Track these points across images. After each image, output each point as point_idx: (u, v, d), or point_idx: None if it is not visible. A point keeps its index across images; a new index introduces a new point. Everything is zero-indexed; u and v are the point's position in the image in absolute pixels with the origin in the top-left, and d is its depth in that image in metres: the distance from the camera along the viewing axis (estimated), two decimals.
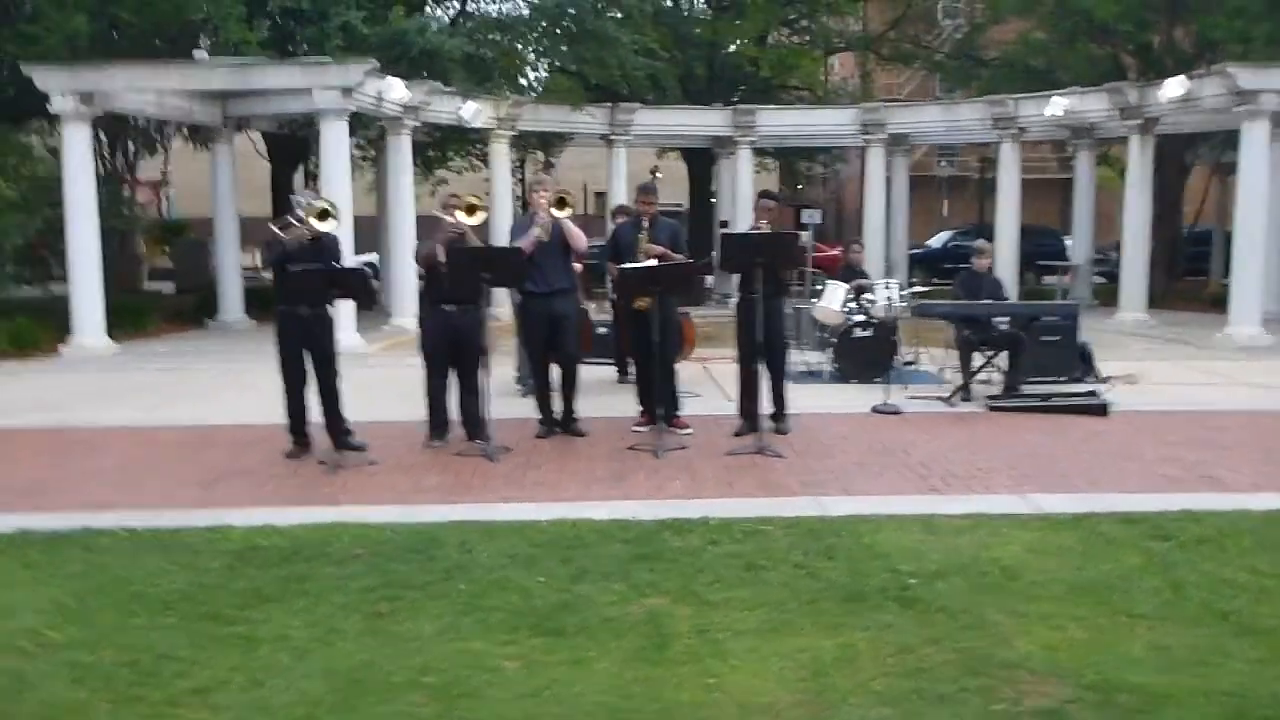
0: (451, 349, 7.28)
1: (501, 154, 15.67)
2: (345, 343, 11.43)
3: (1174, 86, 12.93)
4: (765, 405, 7.75)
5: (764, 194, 7.87)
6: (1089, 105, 14.79)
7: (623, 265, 7.15)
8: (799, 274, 10.54)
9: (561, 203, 7.41)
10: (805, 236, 7.24)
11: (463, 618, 4.22)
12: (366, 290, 6.85)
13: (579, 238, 7.47)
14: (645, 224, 7.64)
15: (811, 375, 10.24)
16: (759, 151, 20.87)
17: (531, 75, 21.87)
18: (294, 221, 6.95)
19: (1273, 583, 4.52)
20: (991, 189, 18.33)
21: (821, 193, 43.70)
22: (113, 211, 14.28)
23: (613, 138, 17.28)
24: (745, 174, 17.80)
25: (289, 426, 7.21)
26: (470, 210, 7.15)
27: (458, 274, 7.01)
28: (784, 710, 3.43)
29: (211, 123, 14.69)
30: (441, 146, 17.83)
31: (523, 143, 18.60)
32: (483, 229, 7.44)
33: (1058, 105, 14.65)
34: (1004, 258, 16.40)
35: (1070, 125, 16.26)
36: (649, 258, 7.53)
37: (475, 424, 7.39)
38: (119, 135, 16.08)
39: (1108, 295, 17.15)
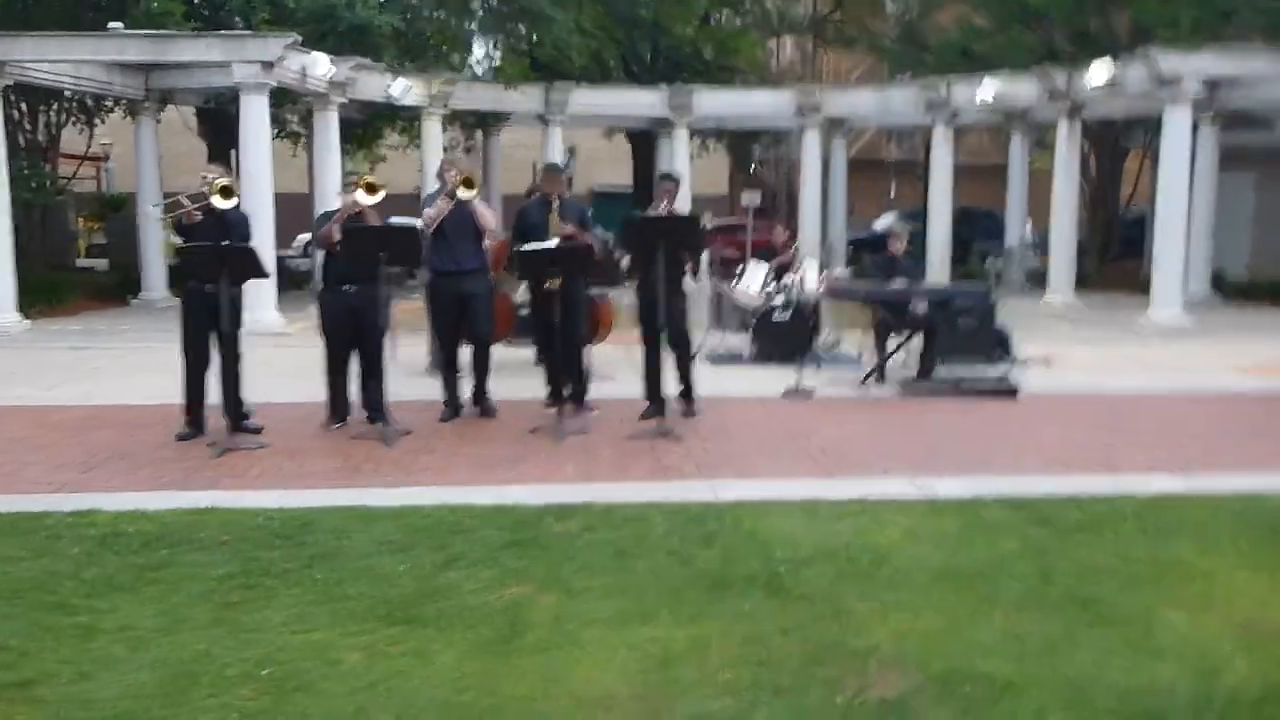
0: (350, 330, 7.14)
1: (434, 132, 15.43)
2: (263, 321, 11.32)
3: (1099, 71, 12.99)
4: (673, 388, 7.73)
5: (665, 176, 7.78)
6: (1018, 89, 14.83)
7: (521, 247, 7.03)
8: (720, 256, 10.49)
9: (468, 183, 7.28)
10: (705, 218, 7.14)
11: (317, 607, 4.10)
12: (255, 269, 6.66)
13: (488, 218, 7.36)
14: (554, 204, 7.52)
15: (732, 358, 10.20)
16: (701, 133, 20.78)
17: (476, 53, 21.74)
18: (184, 200, 6.79)
19: (1142, 569, 4.52)
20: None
21: (772, 175, 43.83)
22: (31, 185, 13.86)
23: (548, 117, 17.08)
24: (682, 155, 17.68)
25: (184, 407, 7.03)
26: (370, 189, 6.99)
27: (354, 253, 6.86)
28: (621, 703, 3.36)
29: (134, 95, 14.32)
30: (373, 124, 17.52)
31: (462, 121, 18.36)
32: (387, 208, 7.29)
33: (988, 89, 14.68)
34: (937, 240, 16.48)
35: (1004, 110, 16.32)
36: (560, 238, 7.42)
37: (376, 407, 7.23)
38: (40, 107, 15.59)
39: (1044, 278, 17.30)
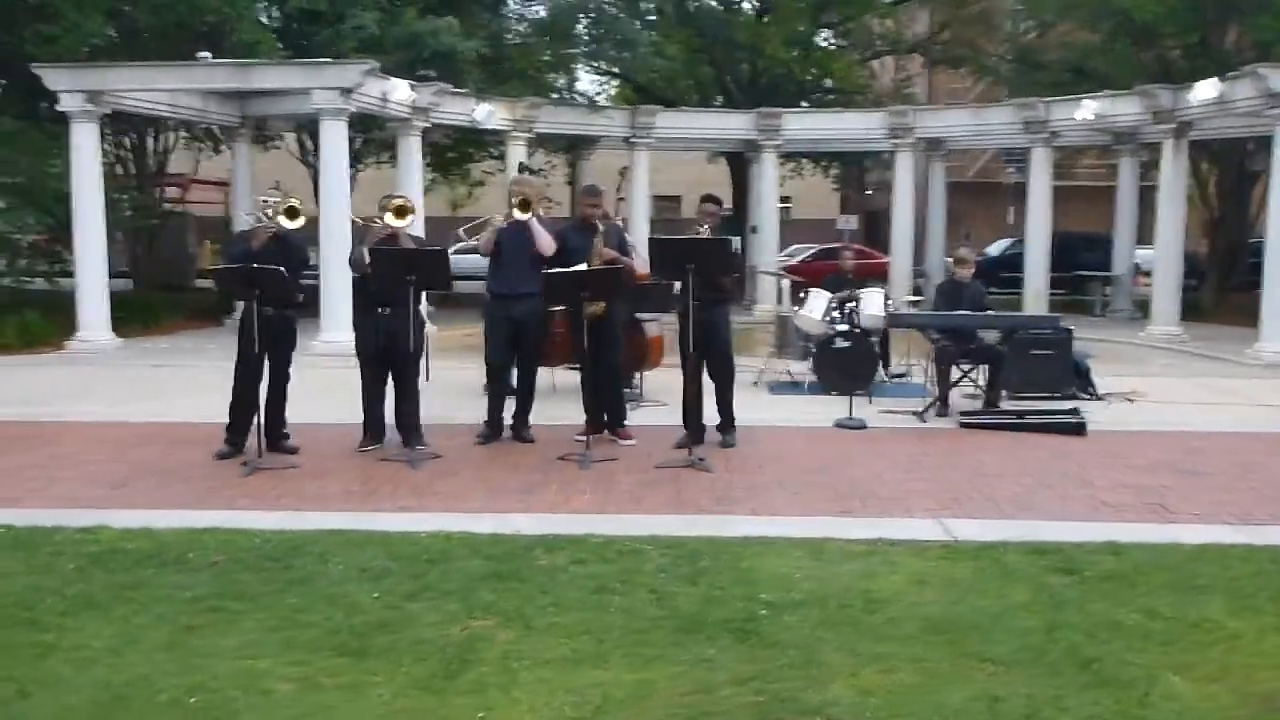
0: (383, 352, 7.15)
1: (518, 156, 15.54)
2: (339, 341, 11.44)
3: (1205, 89, 12.25)
4: (713, 417, 7.53)
5: (706, 198, 7.58)
6: (1120, 109, 14.11)
7: (549, 270, 6.92)
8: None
9: (525, 204, 7.21)
10: (735, 242, 6.90)
11: (273, 634, 4.04)
12: (283, 291, 6.73)
13: (544, 241, 7.23)
14: (601, 228, 7.41)
15: (793, 387, 9.91)
16: (800, 155, 20.47)
17: (582, 79, 21.94)
18: (260, 219, 6.93)
19: (1161, 627, 4.13)
20: (1062, 197, 17.64)
21: (887, 199, 43.06)
22: (127, 210, 14.49)
23: (634, 140, 17.02)
24: (770, 177, 17.42)
25: (228, 425, 7.14)
26: (400, 212, 7.01)
27: (382, 276, 6.88)
28: None
29: (230, 123, 14.85)
30: (459, 149, 17.78)
31: (550, 145, 18.48)
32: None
33: (1088, 109, 14.01)
34: (1034, 268, 15.81)
35: (1111, 130, 15.57)
36: (602, 262, 7.31)
37: (409, 428, 7.22)
38: (148, 134, 16.34)
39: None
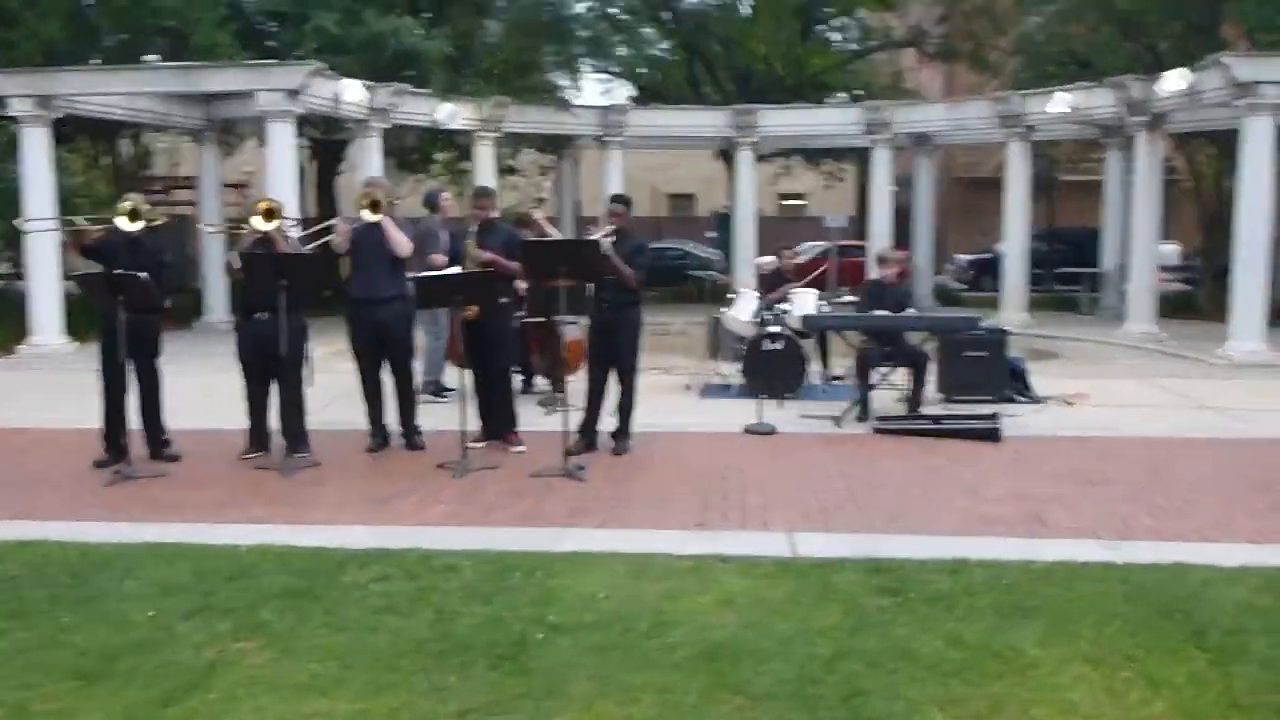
0: (263, 357, 6.99)
1: (485, 156, 15.38)
2: None
3: (1174, 79, 11.81)
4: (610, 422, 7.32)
5: (615, 198, 7.34)
6: (1094, 101, 13.65)
7: (417, 274, 6.73)
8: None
9: (374, 206, 7.01)
10: (605, 244, 6.63)
11: (25, 655, 3.89)
12: (144, 297, 6.59)
13: (398, 243, 7.02)
14: (473, 229, 7.22)
15: (724, 390, 9.64)
16: (776, 154, 20.14)
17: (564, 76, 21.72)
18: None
19: (958, 655, 3.85)
20: (1083, 192, 17.09)
21: (905, 196, 42.46)
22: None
23: (606, 138, 16.80)
24: (746, 176, 17.11)
25: (103, 433, 7.02)
26: (268, 215, 6.84)
27: (255, 281, 6.73)
28: None
29: (196, 125, 14.81)
30: (425, 149, 17.66)
31: (530, 145, 18.31)
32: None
33: (1061, 101, 13.59)
34: (1011, 265, 15.39)
35: (1090, 123, 15.11)
36: (476, 264, 7.12)
37: (290, 435, 7.08)
38: (120, 137, 16.37)
39: (1173, 304, 15.92)
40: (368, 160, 13.86)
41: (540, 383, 9.69)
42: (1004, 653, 3.88)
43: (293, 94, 11.81)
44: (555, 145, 18.27)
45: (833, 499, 6.03)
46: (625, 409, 7.22)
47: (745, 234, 16.88)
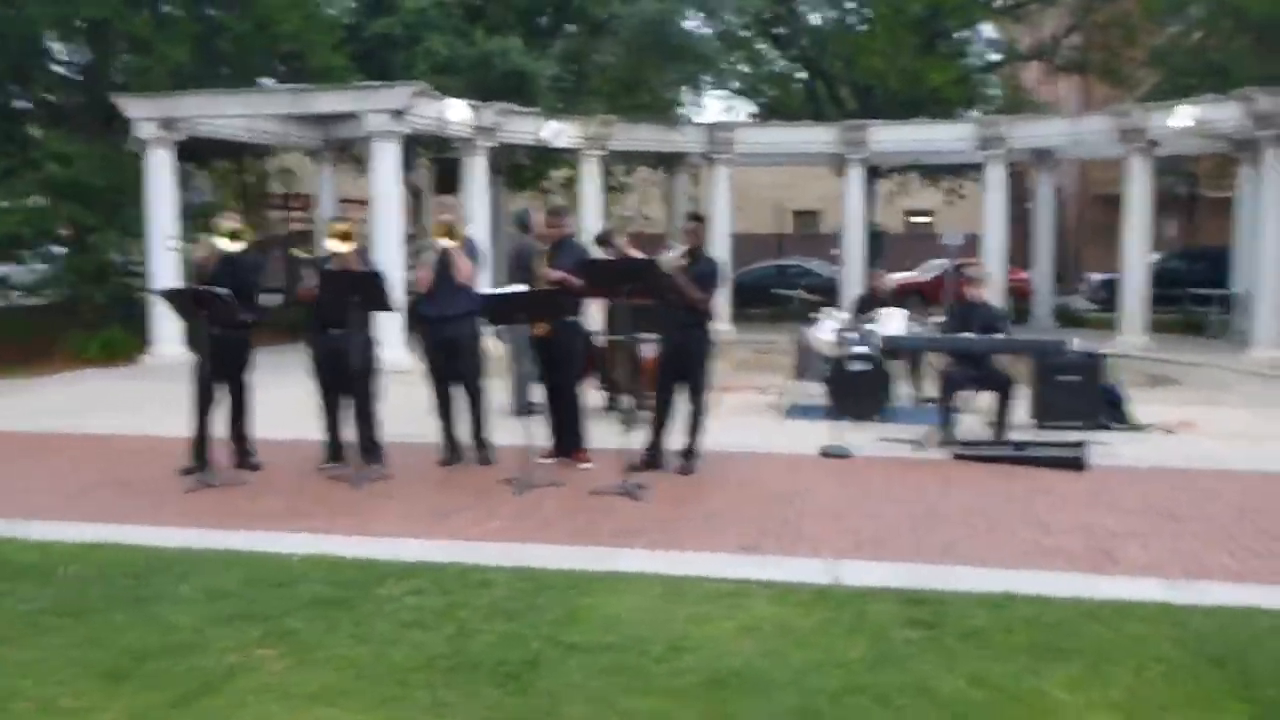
0: (335, 373, 7.21)
1: (591, 174, 15.54)
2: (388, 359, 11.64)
3: None
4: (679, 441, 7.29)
5: (690, 216, 7.32)
6: (1220, 114, 12.96)
7: (490, 290, 6.84)
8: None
9: (450, 232, 7.18)
10: (667, 264, 6.60)
11: (65, 653, 4.09)
12: (226, 312, 6.91)
13: (463, 268, 7.16)
14: (544, 248, 7.31)
15: (808, 410, 9.49)
16: (894, 170, 19.72)
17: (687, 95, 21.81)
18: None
19: (979, 696, 3.70)
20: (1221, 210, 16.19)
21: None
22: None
23: (714, 156, 16.76)
24: (856, 193, 16.81)
25: (192, 442, 7.35)
26: (344, 237, 7.06)
27: (328, 298, 6.96)
28: None
29: (313, 145, 15.43)
30: (536, 168, 17.95)
31: (642, 163, 18.41)
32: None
33: (1185, 115, 12.94)
34: (1132, 286, 14.71)
35: (1217, 136, 14.33)
36: (546, 283, 7.20)
37: (365, 448, 7.30)
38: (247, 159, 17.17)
39: None
40: (474, 179, 14.18)
41: (625, 401, 9.72)
42: (1027, 695, 3.70)
43: (397, 114, 12.18)
44: (667, 163, 18.35)
45: (891, 526, 5.86)
46: (693, 429, 7.18)
47: (854, 251, 16.59)
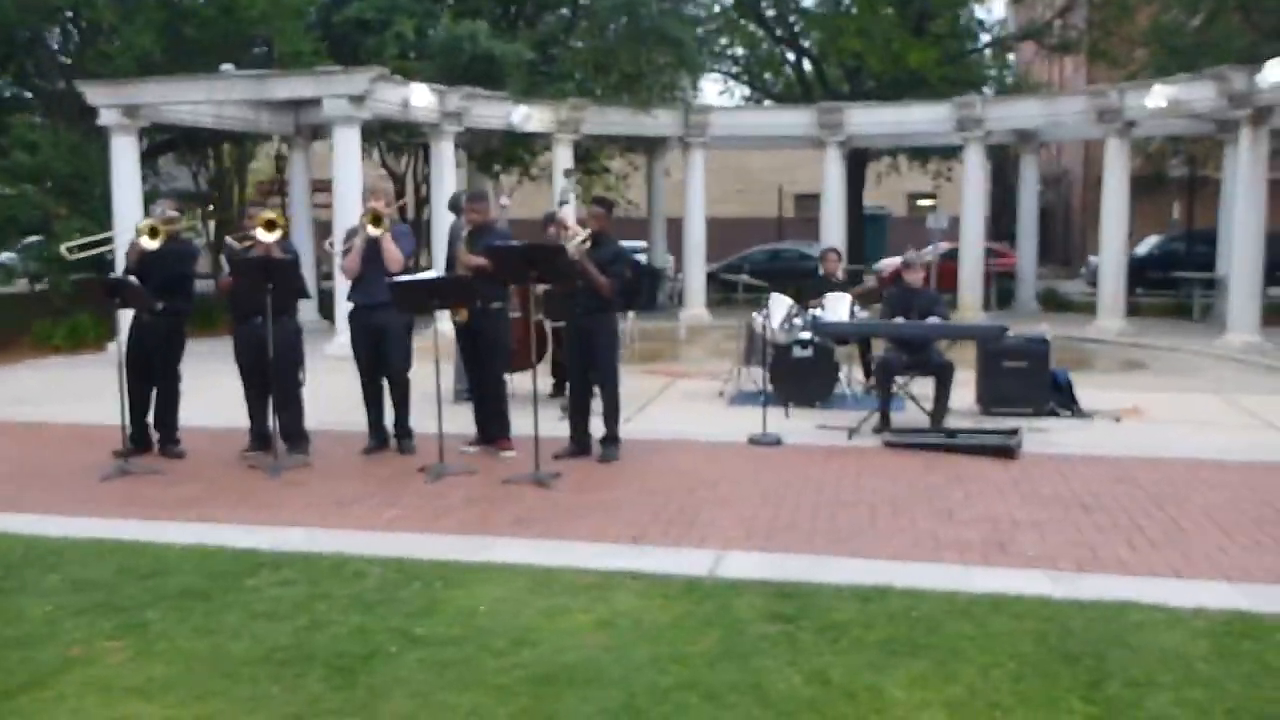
0: (256, 361, 7.16)
1: (564, 158, 15.42)
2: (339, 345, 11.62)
3: (1275, 69, 10.88)
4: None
5: (596, 200, 7.23)
6: (1195, 94, 12.69)
7: (396, 278, 6.75)
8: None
9: (376, 220, 7.09)
10: (574, 250, 6.51)
11: None
12: (139, 301, 6.92)
13: (390, 256, 7.04)
14: (464, 233, 7.23)
15: (754, 397, 9.38)
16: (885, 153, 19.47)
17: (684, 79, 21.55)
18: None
19: (809, 693, 3.61)
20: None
21: (1052, 194, 40.66)
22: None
23: (689, 140, 16.61)
24: (833, 175, 16.62)
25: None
26: (269, 226, 6.99)
27: (243, 286, 6.92)
28: None
29: (285, 132, 15.37)
30: (506, 153, 17.84)
31: (620, 146, 18.26)
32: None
33: (1159, 95, 12.69)
34: (1109, 272, 14.50)
35: (1192, 116, 14.04)
36: (467, 269, 7.12)
37: (287, 436, 7.27)
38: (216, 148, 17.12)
39: None
40: (442, 164, 14.09)
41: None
42: (862, 693, 3.61)
43: (358, 100, 12.09)
44: (646, 147, 18.20)
45: (790, 517, 5.76)
46: (607, 416, 7.10)
47: (832, 236, 16.40)
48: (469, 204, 7.36)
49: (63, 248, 7.70)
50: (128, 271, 7.02)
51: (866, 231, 23.85)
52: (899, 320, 7.90)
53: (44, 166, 13.32)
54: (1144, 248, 26.71)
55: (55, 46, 16.07)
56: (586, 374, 7.15)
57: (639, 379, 10.77)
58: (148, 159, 17.41)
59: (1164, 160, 25.89)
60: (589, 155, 20.14)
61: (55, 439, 8.09)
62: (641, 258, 20.48)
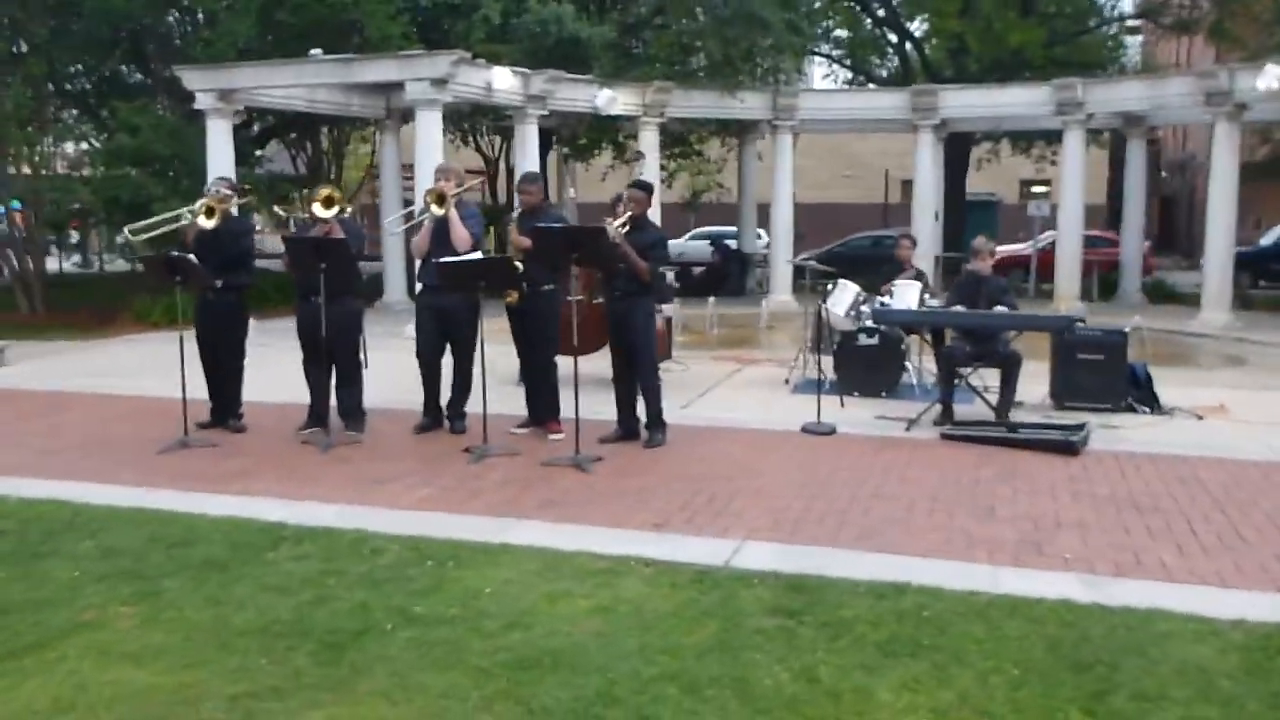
0: (314, 339, 7.29)
1: (650, 142, 15.33)
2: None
3: None
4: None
5: (635, 184, 7.13)
6: None
7: (442, 259, 6.78)
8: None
9: (440, 199, 7.14)
10: (614, 233, 6.43)
11: None
12: (199, 278, 7.12)
13: (459, 235, 7.09)
14: (514, 215, 7.24)
15: (817, 385, 9.17)
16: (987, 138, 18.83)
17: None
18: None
19: (794, 690, 3.50)
20: None
21: (1178, 180, 38.95)
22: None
23: (775, 123, 16.32)
24: (925, 160, 16.14)
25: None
26: (327, 203, 7.10)
27: (297, 264, 7.05)
28: None
29: (374, 115, 15.66)
30: (591, 136, 17.81)
31: (708, 130, 18.04)
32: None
33: (1271, 76, 11.95)
34: (1214, 260, 13.76)
35: None
36: (518, 250, 7.12)
37: (345, 413, 7.42)
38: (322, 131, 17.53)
39: None
40: (526, 146, 14.16)
41: None
42: (846, 694, 3.48)
43: (439, 83, 12.23)
44: (737, 130, 17.98)
45: (824, 509, 5.61)
46: (648, 401, 7.03)
47: (924, 222, 15.97)
48: (520, 185, 7.37)
49: (126, 230, 7.95)
50: (185, 250, 7.22)
51: (973, 218, 23.17)
52: (959, 309, 7.62)
53: (145, 148, 13.83)
54: (1270, 238, 25.41)
55: (165, 34, 16.69)
56: (625, 358, 7.08)
57: (707, 365, 10.68)
58: (255, 143, 18.04)
59: None
60: (680, 139, 20.07)
61: (130, 411, 8.39)
62: (731, 243, 20.32)
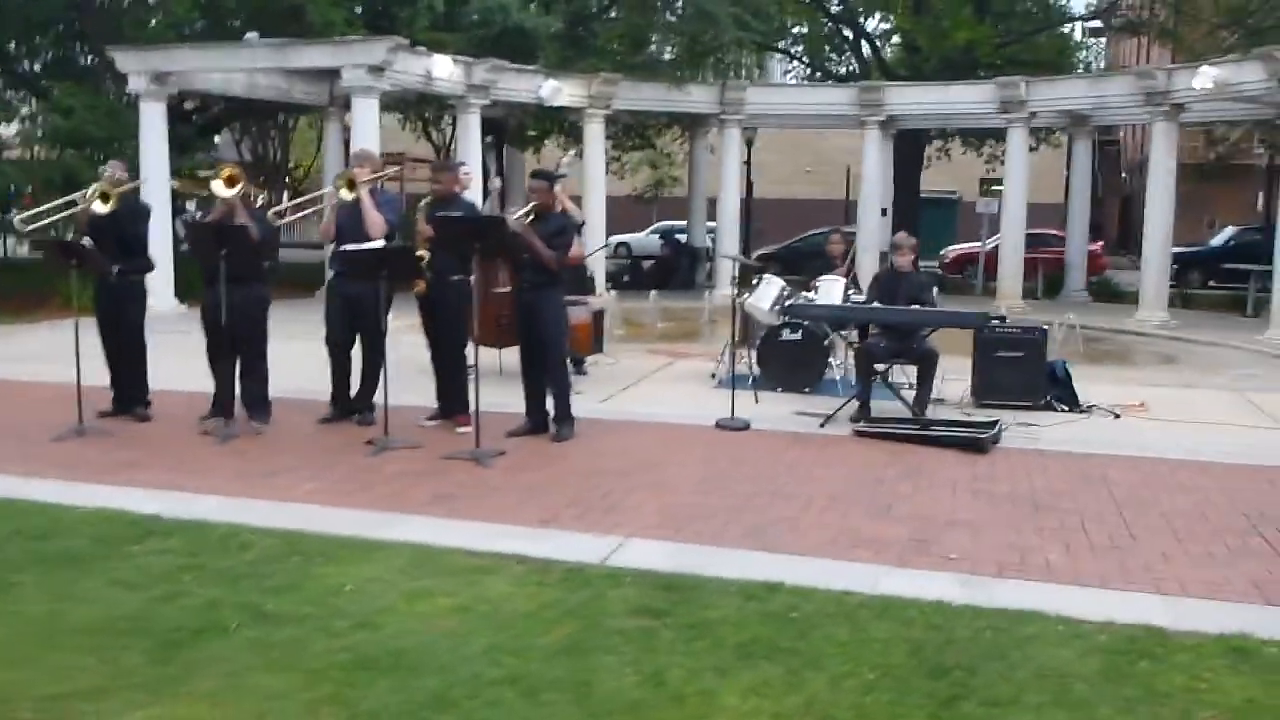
0: (217, 327, 7.11)
1: (595, 134, 15.19)
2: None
3: None
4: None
5: (536, 174, 7.02)
6: (1245, 75, 11.94)
7: (343, 247, 6.64)
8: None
9: (350, 184, 6.99)
10: (515, 223, 6.30)
11: None
12: (96, 263, 6.94)
13: (371, 220, 6.95)
14: (423, 203, 7.10)
15: (742, 380, 9.09)
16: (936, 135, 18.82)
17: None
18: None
19: (640, 694, 3.39)
20: None
21: (1139, 183, 39.22)
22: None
23: (723, 117, 16.22)
24: (873, 156, 16.11)
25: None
26: (230, 181, 6.92)
27: (198, 250, 6.88)
28: None
29: (317, 102, 15.42)
30: (536, 127, 17.65)
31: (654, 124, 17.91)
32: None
33: (1206, 76, 11.98)
34: (1152, 258, 13.81)
35: (1241, 99, 13.21)
36: (423, 237, 6.98)
37: (249, 403, 7.25)
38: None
39: None
40: (468, 137, 14.00)
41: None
42: (691, 698, 3.38)
43: (376, 70, 12.04)
44: (687, 124, 17.87)
45: (717, 505, 5.52)
46: (555, 395, 6.92)
47: (869, 220, 15.94)
48: (433, 173, 7.23)
49: (16, 219, 7.73)
50: (80, 235, 7.03)
51: (929, 216, 23.18)
52: (877, 305, 7.56)
53: (79, 130, 13.55)
54: (1220, 238, 25.64)
55: (104, 14, 16.35)
56: (533, 350, 6.97)
57: (639, 358, 10.59)
58: (203, 131, 17.73)
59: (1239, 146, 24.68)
60: (636, 131, 19.96)
61: (42, 398, 8.16)
62: (682, 237, 20.24)
